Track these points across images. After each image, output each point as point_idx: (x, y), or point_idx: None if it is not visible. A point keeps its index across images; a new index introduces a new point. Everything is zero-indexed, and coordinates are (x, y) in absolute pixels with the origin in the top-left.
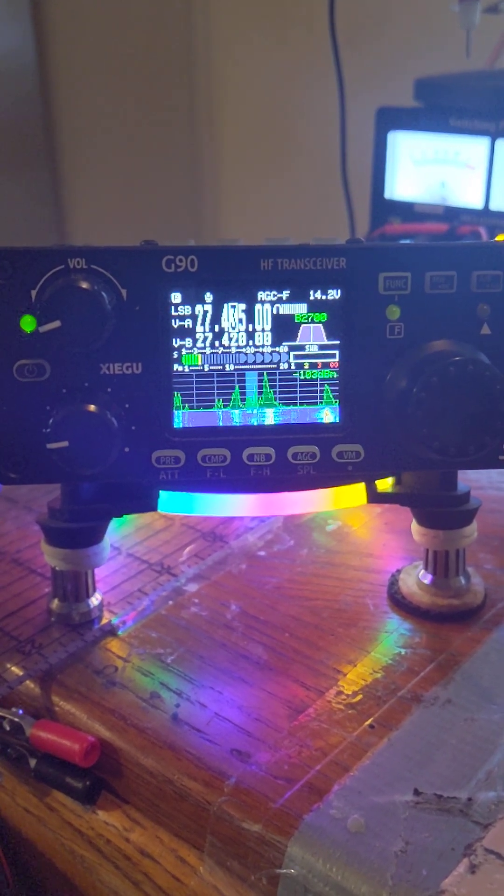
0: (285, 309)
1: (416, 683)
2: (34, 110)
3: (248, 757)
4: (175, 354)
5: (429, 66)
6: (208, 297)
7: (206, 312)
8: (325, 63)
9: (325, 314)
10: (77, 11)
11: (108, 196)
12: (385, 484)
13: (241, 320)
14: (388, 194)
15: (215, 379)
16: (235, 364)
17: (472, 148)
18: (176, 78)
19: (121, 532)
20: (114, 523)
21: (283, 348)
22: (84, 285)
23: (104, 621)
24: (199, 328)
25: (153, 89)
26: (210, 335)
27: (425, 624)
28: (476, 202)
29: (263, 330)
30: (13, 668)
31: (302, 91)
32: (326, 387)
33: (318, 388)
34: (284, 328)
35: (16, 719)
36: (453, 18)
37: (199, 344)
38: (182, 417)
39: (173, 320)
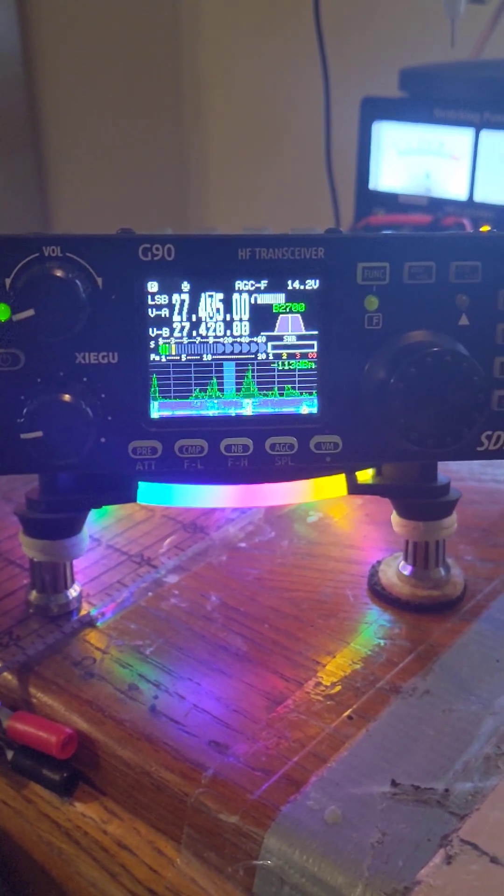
0: (263, 299)
1: (395, 674)
2: (18, 96)
3: (226, 748)
4: (152, 344)
5: (414, 56)
6: (185, 286)
7: (183, 302)
8: (310, 52)
9: (303, 304)
10: None
11: (93, 184)
12: (365, 475)
13: (218, 310)
14: (372, 185)
15: (192, 369)
16: (213, 354)
17: (457, 139)
18: (162, 66)
19: (101, 523)
20: (93, 514)
21: (262, 338)
22: (58, 273)
23: (83, 613)
24: (175, 318)
25: (139, 77)
26: (187, 325)
27: (405, 615)
28: (460, 193)
29: (241, 320)
30: None
31: (287, 80)
32: (305, 377)
33: (297, 379)
34: (262, 318)
35: None
36: (438, 8)
37: (176, 333)
38: (158, 408)
39: (150, 309)
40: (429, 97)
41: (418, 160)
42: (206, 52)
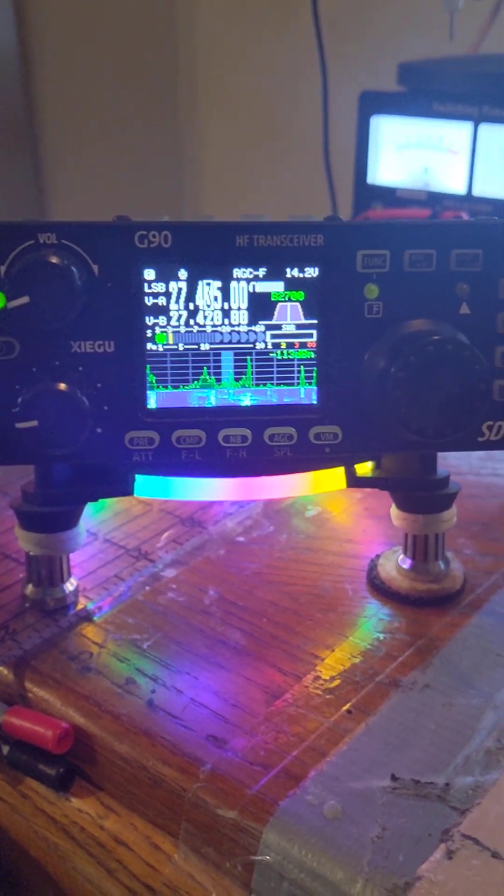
0: (262, 287)
1: (395, 668)
2: (15, 90)
3: (224, 743)
4: (148, 333)
5: (412, 50)
6: (182, 273)
7: (180, 290)
8: (308, 46)
9: (302, 293)
10: None
11: (89, 178)
12: (365, 468)
13: (216, 298)
14: (370, 179)
15: (190, 358)
16: (211, 343)
17: (456, 133)
18: (159, 59)
19: (98, 517)
20: (91, 508)
21: (260, 327)
22: (54, 260)
23: (79, 607)
24: (173, 306)
25: (135, 71)
26: (184, 313)
27: (404, 609)
28: (459, 188)
29: (239, 308)
30: None
31: (285, 74)
32: (303, 367)
33: (296, 369)
34: (261, 307)
35: None
36: (437, 2)
37: (174, 322)
38: (156, 398)
39: (146, 298)
40: (427, 91)
41: (417, 154)
42: (204, 45)
